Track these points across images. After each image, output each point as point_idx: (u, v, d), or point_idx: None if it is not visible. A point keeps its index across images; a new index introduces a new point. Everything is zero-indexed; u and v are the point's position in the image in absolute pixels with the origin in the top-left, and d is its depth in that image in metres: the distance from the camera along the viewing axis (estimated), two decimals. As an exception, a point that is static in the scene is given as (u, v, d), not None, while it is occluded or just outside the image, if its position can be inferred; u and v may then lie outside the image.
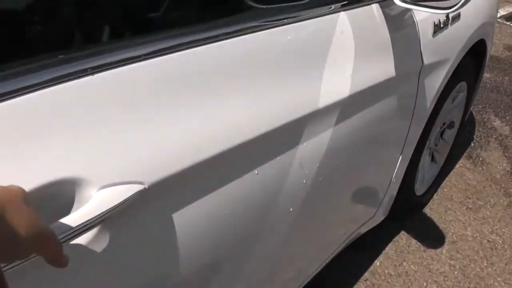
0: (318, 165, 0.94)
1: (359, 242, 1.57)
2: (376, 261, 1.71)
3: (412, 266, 1.71)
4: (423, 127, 1.47)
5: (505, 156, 2.32)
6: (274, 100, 0.81)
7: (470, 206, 2.00)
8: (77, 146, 0.56)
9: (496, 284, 1.70)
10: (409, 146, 1.43)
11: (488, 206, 2.01)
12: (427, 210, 1.96)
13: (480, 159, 2.27)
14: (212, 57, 0.73)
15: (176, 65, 0.69)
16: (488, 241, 1.85)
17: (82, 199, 0.56)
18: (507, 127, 2.56)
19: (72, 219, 0.53)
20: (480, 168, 2.22)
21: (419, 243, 1.80)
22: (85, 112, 0.58)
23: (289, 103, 0.83)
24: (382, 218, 1.62)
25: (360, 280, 1.63)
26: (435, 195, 2.02)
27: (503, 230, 1.91)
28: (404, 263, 1.72)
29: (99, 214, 0.54)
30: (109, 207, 0.55)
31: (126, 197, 0.57)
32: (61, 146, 0.55)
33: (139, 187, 0.59)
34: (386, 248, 1.77)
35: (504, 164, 2.27)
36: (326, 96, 0.90)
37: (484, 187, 2.11)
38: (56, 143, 0.54)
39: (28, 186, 0.48)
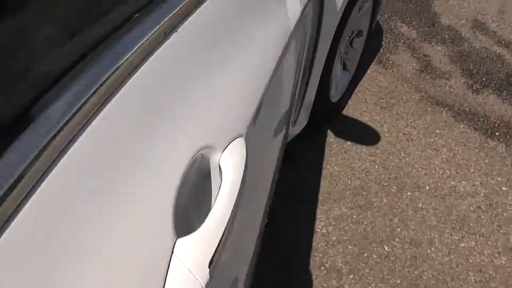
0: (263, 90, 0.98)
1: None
2: (301, 168, 1.75)
3: (335, 167, 1.76)
4: (332, 37, 1.51)
5: (414, 57, 2.41)
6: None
7: (384, 105, 2.07)
8: (187, 121, 0.62)
9: (414, 171, 1.79)
10: (320, 54, 1.47)
11: (401, 103, 2.09)
12: (343, 114, 2.01)
13: (390, 62, 2.34)
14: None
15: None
16: (404, 134, 1.94)
17: (214, 164, 0.63)
18: (414, 31, 2.64)
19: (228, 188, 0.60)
20: (391, 71, 2.29)
21: (339, 146, 1.84)
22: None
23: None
24: (304, 123, 1.65)
25: (286, 188, 1.66)
26: (350, 100, 2.06)
27: (417, 122, 2.00)
28: (328, 166, 1.77)
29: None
30: (244, 159, 0.64)
31: (244, 150, 0.65)
32: (179, 124, 0.61)
33: (242, 139, 0.66)
34: (309, 155, 1.80)
35: (413, 64, 2.35)
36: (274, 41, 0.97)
37: (396, 87, 2.18)
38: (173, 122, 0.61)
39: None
